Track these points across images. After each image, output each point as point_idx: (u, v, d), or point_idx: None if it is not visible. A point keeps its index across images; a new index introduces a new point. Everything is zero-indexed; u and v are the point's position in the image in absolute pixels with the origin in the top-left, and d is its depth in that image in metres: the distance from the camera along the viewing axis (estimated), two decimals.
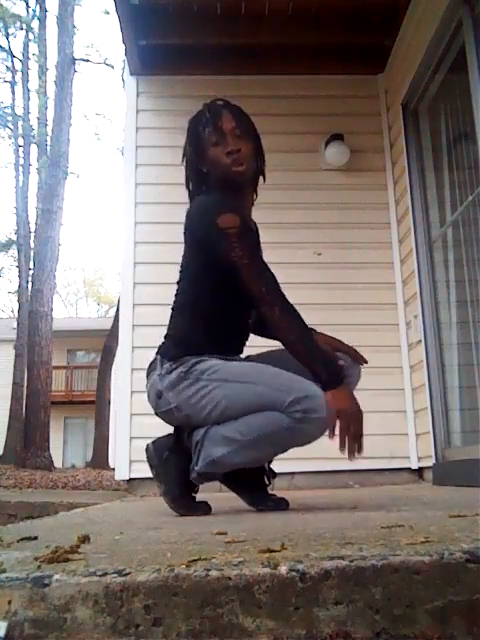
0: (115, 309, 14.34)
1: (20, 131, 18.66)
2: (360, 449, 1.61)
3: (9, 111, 18.82)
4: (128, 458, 3.51)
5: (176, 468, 1.79)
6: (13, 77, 18.87)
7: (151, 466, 1.86)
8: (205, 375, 1.75)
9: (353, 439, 1.59)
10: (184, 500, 1.81)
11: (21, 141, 18.76)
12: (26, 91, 18.00)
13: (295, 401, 1.63)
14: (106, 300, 35.02)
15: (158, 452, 1.84)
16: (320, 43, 4.00)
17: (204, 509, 1.81)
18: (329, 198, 4.03)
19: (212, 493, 3.37)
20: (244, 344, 1.99)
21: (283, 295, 1.74)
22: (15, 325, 16.76)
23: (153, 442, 1.88)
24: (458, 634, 0.72)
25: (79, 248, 50.74)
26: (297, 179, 4.03)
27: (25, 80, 18.17)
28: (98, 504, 2.86)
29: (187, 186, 1.96)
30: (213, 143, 1.85)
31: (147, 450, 1.88)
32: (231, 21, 3.82)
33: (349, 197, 4.03)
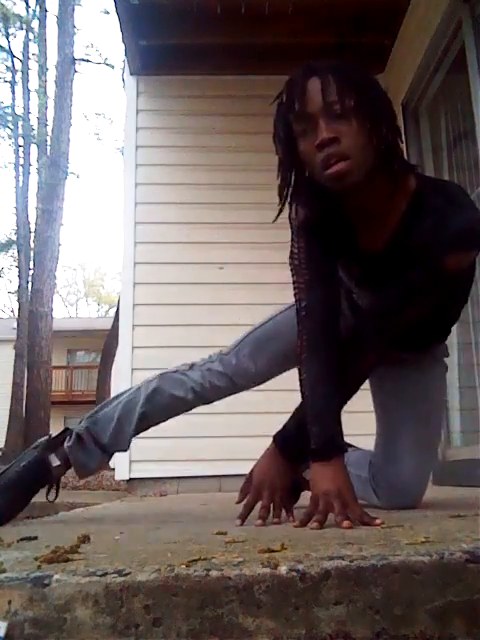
0: (115, 309, 14.34)
1: (20, 131, 18.67)
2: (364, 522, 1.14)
3: (9, 111, 18.82)
4: (128, 458, 3.50)
5: None
6: (13, 77, 18.88)
7: None
8: None
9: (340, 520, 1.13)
10: None
11: (21, 141, 18.77)
12: (26, 91, 18.01)
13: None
14: (106, 300, 35.02)
15: None
16: (320, 43, 4.00)
17: None
18: None
19: (212, 493, 3.37)
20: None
21: (312, 324, 1.36)
22: (15, 325, 16.76)
23: None
24: (458, 634, 0.72)
25: (79, 248, 50.77)
26: None
27: (25, 80, 18.18)
28: (98, 504, 2.86)
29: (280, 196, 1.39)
30: (300, 132, 1.27)
31: None
32: (231, 21, 3.81)
33: None
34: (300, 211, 1.41)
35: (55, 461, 1.61)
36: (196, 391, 1.67)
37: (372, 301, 1.49)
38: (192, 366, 1.71)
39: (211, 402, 1.72)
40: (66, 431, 1.68)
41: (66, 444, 1.64)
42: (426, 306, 1.36)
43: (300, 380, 1.36)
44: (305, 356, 1.35)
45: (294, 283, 1.41)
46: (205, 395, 1.69)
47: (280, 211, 1.37)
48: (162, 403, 1.67)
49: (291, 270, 1.42)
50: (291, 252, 1.43)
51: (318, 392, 1.32)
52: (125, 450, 1.72)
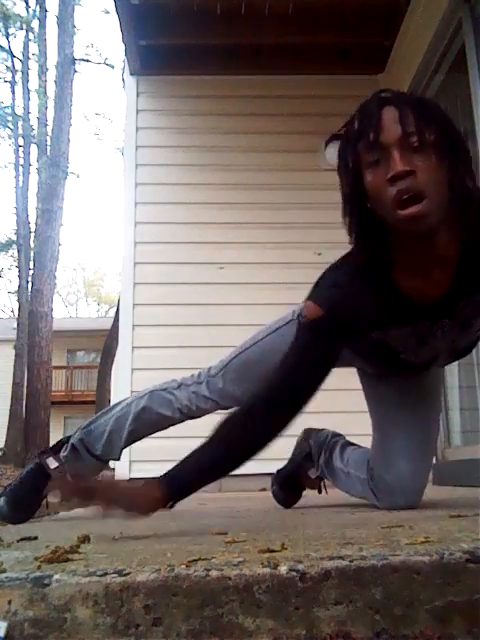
0: (115, 309, 14.35)
1: (20, 131, 18.67)
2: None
3: (9, 111, 18.82)
4: (128, 458, 3.50)
5: None
6: (13, 77, 18.88)
7: None
8: None
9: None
10: None
11: (21, 141, 18.78)
12: (26, 91, 18.01)
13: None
14: (106, 300, 35.00)
15: None
16: (320, 43, 4.00)
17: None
18: (329, 198, 3.97)
19: (213, 493, 3.37)
20: None
21: (254, 409, 1.25)
22: (15, 325, 16.75)
23: None
24: (458, 634, 0.72)
25: (79, 248, 50.74)
26: (297, 179, 4.03)
27: (25, 80, 18.17)
28: None
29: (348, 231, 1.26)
30: (370, 163, 1.15)
31: None
32: (231, 21, 3.82)
33: None
34: (314, 309, 1.27)
35: (53, 463, 1.71)
36: (183, 412, 1.74)
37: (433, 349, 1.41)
38: (180, 385, 1.75)
39: (198, 418, 1.78)
40: (62, 439, 1.79)
41: (62, 453, 1.73)
42: None
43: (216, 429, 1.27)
44: (229, 423, 1.27)
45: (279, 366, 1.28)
46: (191, 415, 1.75)
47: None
48: (150, 421, 1.75)
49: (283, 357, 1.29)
50: (293, 343, 1.29)
51: (205, 449, 1.24)
52: (117, 459, 1.82)
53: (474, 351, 3.17)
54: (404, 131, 1.12)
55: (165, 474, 1.20)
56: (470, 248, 1.24)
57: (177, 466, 1.21)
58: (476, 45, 2.87)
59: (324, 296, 1.28)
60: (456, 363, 3.38)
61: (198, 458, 1.22)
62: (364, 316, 1.28)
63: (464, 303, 1.31)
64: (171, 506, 1.18)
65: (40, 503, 1.72)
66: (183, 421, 1.78)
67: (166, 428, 1.80)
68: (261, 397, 1.25)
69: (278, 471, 2.01)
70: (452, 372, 3.43)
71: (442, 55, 3.34)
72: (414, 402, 1.63)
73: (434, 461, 3.28)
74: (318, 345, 1.26)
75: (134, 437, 1.77)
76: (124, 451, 1.82)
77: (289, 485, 1.96)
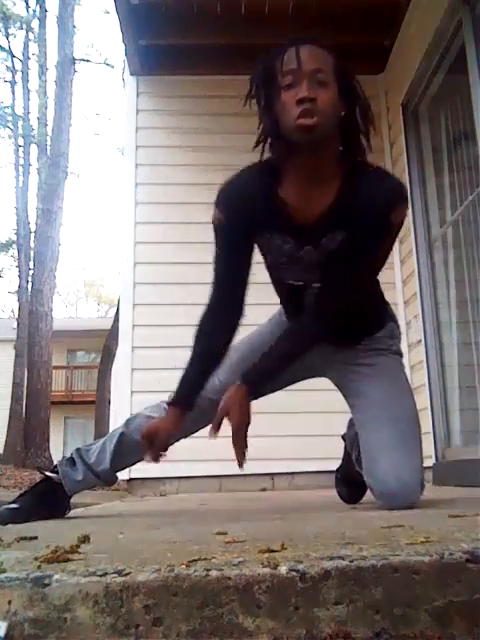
0: (115, 309, 14.35)
1: (20, 131, 18.66)
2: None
3: (9, 111, 18.82)
4: None
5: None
6: (13, 77, 18.86)
7: None
8: None
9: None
10: None
11: (21, 141, 18.76)
12: (26, 91, 18.00)
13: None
14: (106, 300, 34.98)
15: None
16: (320, 43, 4.00)
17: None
18: None
19: (212, 493, 3.37)
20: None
21: (206, 318, 1.72)
22: (15, 325, 16.75)
23: None
24: (458, 634, 0.72)
25: (79, 248, 50.69)
26: None
27: (25, 80, 18.16)
28: (98, 504, 2.86)
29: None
30: (285, 85, 1.43)
31: None
32: (231, 21, 3.82)
33: None
34: (215, 213, 1.58)
35: (52, 474, 1.82)
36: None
37: (298, 277, 1.66)
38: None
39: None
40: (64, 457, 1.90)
41: (59, 462, 1.84)
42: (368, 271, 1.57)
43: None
44: (195, 336, 1.65)
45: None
46: None
47: (257, 142, 1.53)
48: (140, 424, 1.77)
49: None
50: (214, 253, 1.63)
51: (191, 366, 1.62)
52: (108, 471, 1.81)
53: (474, 352, 3.19)
54: (316, 67, 1.43)
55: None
56: (348, 184, 1.48)
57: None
58: (476, 45, 2.87)
59: (220, 199, 1.58)
60: (456, 363, 3.39)
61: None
62: (251, 212, 1.54)
63: (330, 236, 1.51)
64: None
65: (39, 508, 1.76)
66: None
67: None
68: (208, 304, 1.69)
69: (337, 471, 2.06)
70: (453, 372, 3.43)
71: (442, 55, 3.34)
72: (380, 402, 1.64)
73: (434, 461, 3.28)
74: (230, 241, 1.60)
75: (126, 443, 1.78)
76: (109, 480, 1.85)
77: (351, 484, 1.98)
